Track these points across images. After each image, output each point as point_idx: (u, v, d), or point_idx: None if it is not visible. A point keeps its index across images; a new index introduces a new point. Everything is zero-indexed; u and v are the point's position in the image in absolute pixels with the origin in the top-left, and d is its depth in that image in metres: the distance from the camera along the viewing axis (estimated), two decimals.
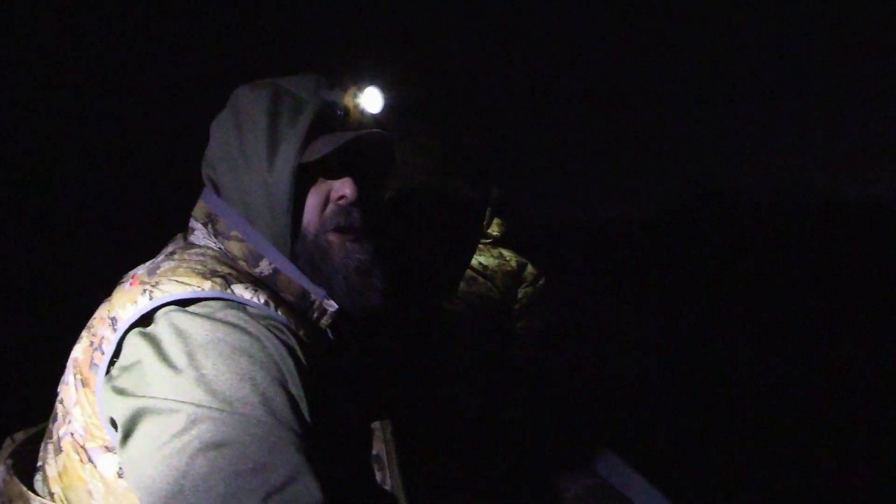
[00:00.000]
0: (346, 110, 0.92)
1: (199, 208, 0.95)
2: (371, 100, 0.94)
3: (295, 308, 0.89)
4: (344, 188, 0.90)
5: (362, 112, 0.93)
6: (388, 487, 0.87)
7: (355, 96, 0.92)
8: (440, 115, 2.04)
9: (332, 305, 0.91)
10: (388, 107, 0.98)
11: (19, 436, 0.98)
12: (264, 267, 0.89)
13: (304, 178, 0.89)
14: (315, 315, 0.91)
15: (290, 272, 0.90)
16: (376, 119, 0.95)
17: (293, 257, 0.90)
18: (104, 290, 0.88)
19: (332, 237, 0.91)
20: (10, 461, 0.88)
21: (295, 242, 0.90)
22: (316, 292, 0.90)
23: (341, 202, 0.91)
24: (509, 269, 2.56)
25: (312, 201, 0.90)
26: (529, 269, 2.61)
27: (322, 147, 0.87)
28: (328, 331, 0.93)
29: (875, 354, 4.87)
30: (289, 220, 0.88)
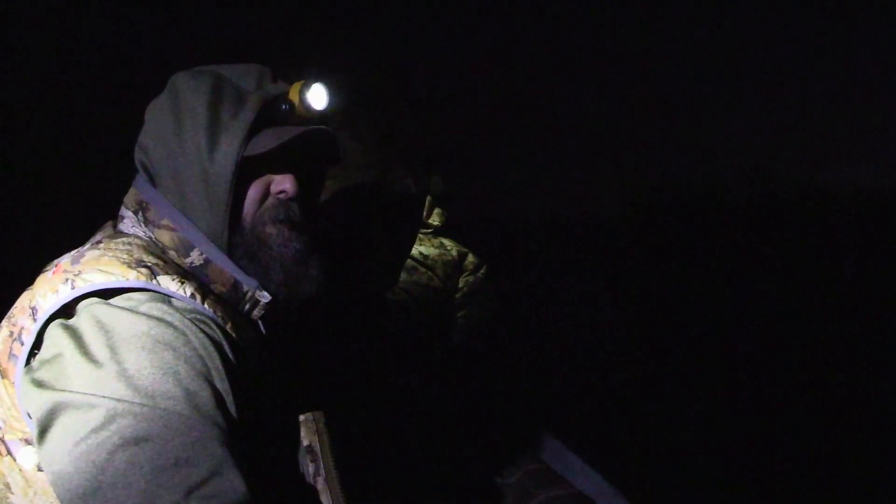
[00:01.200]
0: (292, 105, 0.92)
1: (131, 195, 0.93)
2: (317, 96, 0.93)
3: (224, 299, 0.88)
4: (285, 183, 0.91)
5: (307, 108, 0.92)
6: (321, 479, 0.85)
7: (301, 91, 0.91)
8: (379, 104, 2.02)
9: (264, 296, 0.91)
10: (333, 103, 0.98)
11: None
12: (195, 257, 0.88)
13: (246, 171, 0.88)
14: (247, 307, 0.91)
15: (222, 262, 0.89)
16: (321, 115, 0.95)
17: (230, 248, 0.90)
18: (28, 280, 0.85)
19: (270, 228, 0.91)
20: None
21: (233, 234, 0.89)
22: (248, 283, 0.90)
23: (281, 196, 0.91)
24: (450, 258, 2.56)
25: (252, 193, 0.91)
26: (471, 258, 2.63)
27: (267, 141, 0.87)
28: (259, 322, 0.92)
29: (866, 349, 4.91)
30: (227, 211, 0.87)
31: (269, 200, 0.92)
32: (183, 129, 0.88)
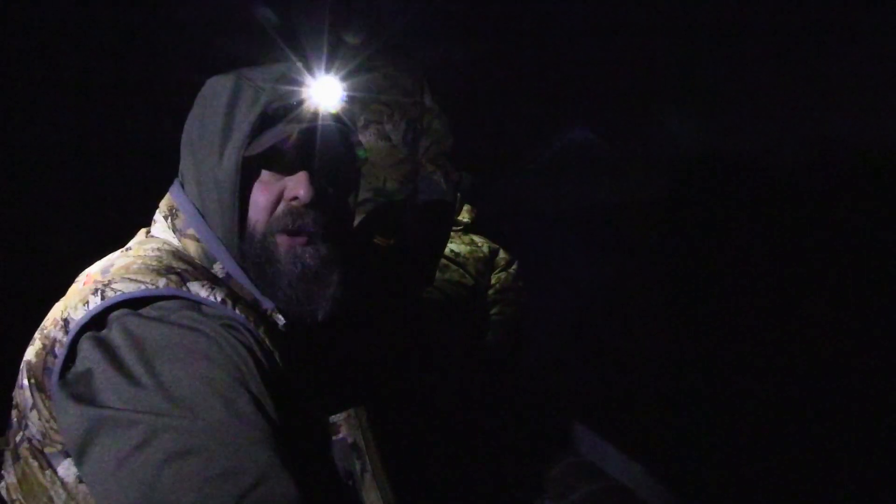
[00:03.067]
0: (301, 101, 0.87)
1: (165, 200, 0.91)
2: (328, 91, 0.89)
3: (252, 305, 0.85)
4: (297, 187, 0.85)
5: (317, 103, 0.88)
6: (368, 475, 0.86)
7: (312, 87, 0.88)
8: (406, 101, 2.01)
9: (280, 320, 0.87)
10: (349, 98, 0.94)
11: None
12: (217, 270, 0.86)
13: (252, 173, 0.85)
14: (271, 317, 0.88)
15: (241, 279, 0.87)
16: (334, 111, 0.90)
17: (241, 257, 0.86)
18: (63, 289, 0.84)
19: (280, 239, 0.86)
20: None
21: (242, 241, 0.86)
22: (265, 304, 0.87)
23: (294, 203, 0.86)
24: (481, 255, 2.57)
25: (262, 199, 0.86)
26: (502, 254, 2.63)
27: (268, 139, 0.82)
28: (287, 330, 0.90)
29: None
30: (235, 217, 0.84)
31: (281, 207, 0.86)
32: (204, 132, 0.86)
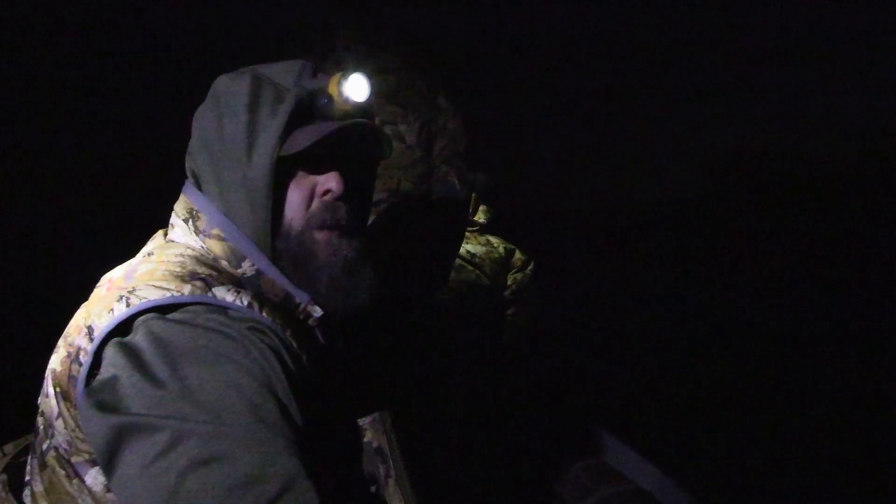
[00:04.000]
0: (331, 99, 0.87)
1: (181, 203, 0.91)
2: (357, 87, 0.88)
3: (280, 307, 0.86)
4: (329, 182, 0.86)
5: (346, 100, 0.87)
6: (392, 480, 0.86)
7: (340, 84, 0.87)
8: (420, 99, 2.01)
9: (316, 311, 0.88)
10: (374, 94, 0.93)
11: (9, 448, 0.95)
12: (247, 268, 0.86)
13: (285, 172, 0.85)
14: (301, 317, 0.88)
15: (273, 274, 0.87)
16: (362, 108, 0.90)
17: (275, 255, 0.87)
18: (82, 295, 0.84)
19: (318, 235, 0.87)
20: (3, 476, 0.86)
21: (276, 239, 0.87)
22: (300, 297, 0.87)
23: (327, 198, 0.87)
24: (497, 255, 2.56)
25: (296, 196, 0.87)
26: (518, 254, 2.62)
27: (303, 139, 0.83)
28: (316, 329, 0.90)
29: None
30: (268, 216, 0.84)
31: (315, 204, 0.88)
32: (224, 132, 0.86)
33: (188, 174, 0.93)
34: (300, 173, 0.87)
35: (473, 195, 2.43)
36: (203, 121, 0.89)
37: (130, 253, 0.91)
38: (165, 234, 0.92)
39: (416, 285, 1.90)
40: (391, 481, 0.86)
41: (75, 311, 0.83)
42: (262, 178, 0.83)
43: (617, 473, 1.98)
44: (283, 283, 0.87)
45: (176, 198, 0.93)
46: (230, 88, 0.88)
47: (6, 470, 0.87)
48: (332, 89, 0.87)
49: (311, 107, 0.87)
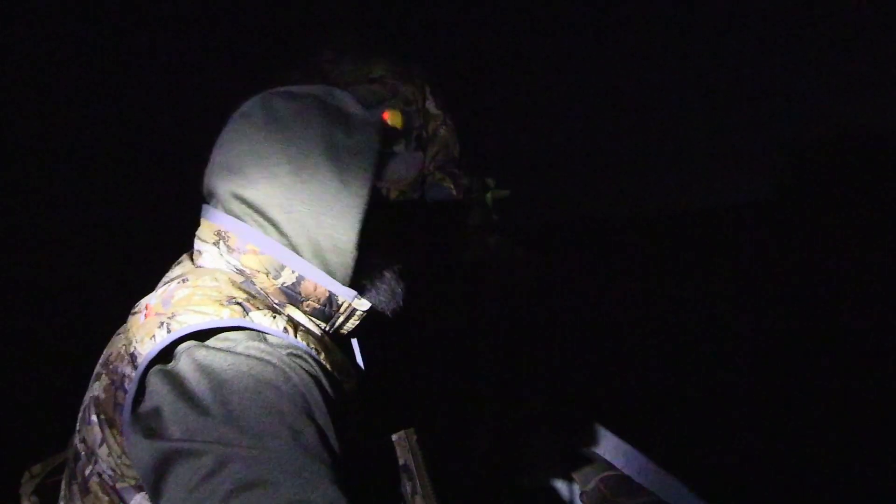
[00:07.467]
0: (395, 130, 0.98)
1: (205, 228, 0.91)
2: (400, 118, 0.99)
3: (316, 320, 0.89)
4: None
5: (395, 129, 0.99)
6: (419, 497, 0.86)
7: (393, 116, 0.97)
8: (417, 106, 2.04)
9: (363, 304, 0.91)
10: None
11: (37, 469, 0.96)
12: (287, 276, 0.87)
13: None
14: (341, 319, 0.91)
15: (316, 277, 0.88)
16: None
17: (325, 265, 0.89)
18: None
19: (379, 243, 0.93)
20: (35, 499, 0.87)
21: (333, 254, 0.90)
22: (345, 294, 0.90)
23: None
24: (504, 258, 2.55)
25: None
26: (524, 258, 2.61)
27: (398, 168, 0.93)
28: (351, 341, 0.93)
29: None
30: (357, 240, 0.88)
31: None
32: (299, 166, 0.86)
33: (206, 196, 0.93)
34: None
35: (489, 196, 2.42)
36: (260, 148, 0.87)
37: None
38: (192, 260, 0.93)
39: (412, 293, 1.92)
40: (418, 498, 0.86)
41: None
42: (358, 205, 0.87)
43: (637, 485, 1.96)
44: (327, 283, 0.89)
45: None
46: (294, 112, 0.89)
47: (37, 492, 0.88)
48: (394, 121, 0.95)
49: (388, 133, 0.95)
